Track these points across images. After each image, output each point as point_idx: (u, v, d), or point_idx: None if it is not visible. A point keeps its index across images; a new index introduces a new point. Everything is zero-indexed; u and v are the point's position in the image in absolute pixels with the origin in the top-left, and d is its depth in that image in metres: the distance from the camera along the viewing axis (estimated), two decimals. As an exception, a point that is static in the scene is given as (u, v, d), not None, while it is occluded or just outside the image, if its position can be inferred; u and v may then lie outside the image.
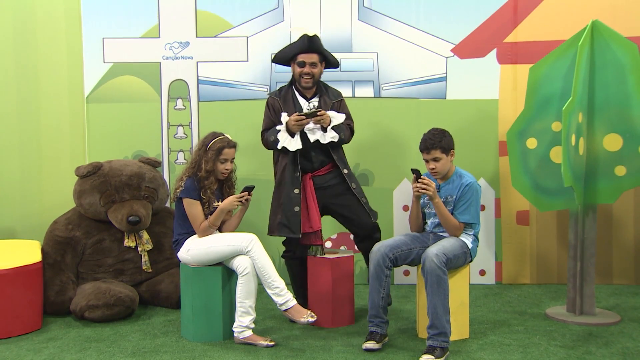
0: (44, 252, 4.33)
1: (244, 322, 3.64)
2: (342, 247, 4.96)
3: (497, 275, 4.99)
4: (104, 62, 4.99)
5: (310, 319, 3.62)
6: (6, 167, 4.97)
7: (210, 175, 3.76)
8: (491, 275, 4.99)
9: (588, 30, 3.88)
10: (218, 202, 3.82)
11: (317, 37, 4.01)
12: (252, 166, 4.93)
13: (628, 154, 3.94)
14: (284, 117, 3.93)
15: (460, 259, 3.59)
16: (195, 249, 3.73)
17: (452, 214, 3.64)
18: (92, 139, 5.01)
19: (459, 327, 3.66)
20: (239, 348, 3.62)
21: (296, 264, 4.13)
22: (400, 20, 4.94)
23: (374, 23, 4.96)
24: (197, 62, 5.01)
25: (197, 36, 4.99)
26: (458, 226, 3.62)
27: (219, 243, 3.70)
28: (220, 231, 3.90)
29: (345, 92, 4.96)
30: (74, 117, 5.01)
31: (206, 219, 3.76)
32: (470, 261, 3.71)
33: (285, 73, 4.98)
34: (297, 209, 3.94)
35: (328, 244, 5.02)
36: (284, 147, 3.93)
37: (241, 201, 3.75)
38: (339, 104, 4.10)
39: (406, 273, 5.01)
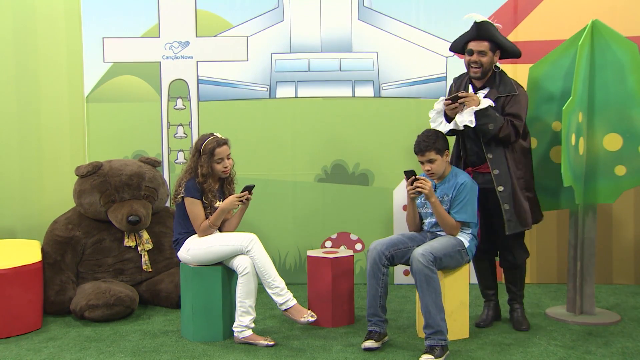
0: (44, 251, 4.33)
1: (244, 322, 3.64)
2: (342, 247, 4.96)
3: (497, 275, 4.98)
4: (104, 61, 5.00)
5: (310, 319, 3.62)
6: (6, 166, 4.98)
7: (208, 178, 3.76)
8: (491, 275, 4.98)
9: (588, 30, 3.88)
10: (219, 201, 3.82)
11: (488, 23, 3.75)
12: (251, 165, 4.93)
13: (628, 154, 3.94)
14: (442, 100, 3.79)
15: (455, 258, 3.59)
16: (195, 249, 3.73)
17: (448, 213, 3.64)
18: (92, 138, 5.01)
19: (458, 327, 3.66)
20: (239, 348, 3.62)
21: (479, 259, 3.98)
22: (400, 19, 4.94)
23: (374, 23, 4.97)
24: (197, 62, 5.01)
25: (197, 36, 4.99)
26: (455, 225, 3.62)
27: (219, 243, 3.70)
28: (221, 231, 3.90)
29: (345, 91, 4.98)
30: (74, 116, 5.01)
31: (207, 218, 3.76)
32: (469, 260, 3.71)
33: (286, 72, 5.00)
34: None
35: (328, 244, 5.03)
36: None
37: (242, 200, 3.75)
38: (506, 100, 3.74)
39: (406, 273, 5.01)
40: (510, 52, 3.81)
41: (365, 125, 4.97)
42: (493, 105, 3.66)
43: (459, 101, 3.64)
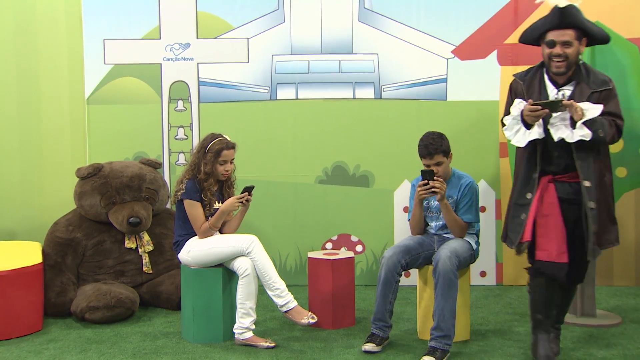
0: (44, 253, 4.33)
1: (244, 324, 3.64)
2: (342, 249, 4.96)
3: (498, 276, 4.99)
4: (105, 63, 5.00)
5: (311, 321, 3.62)
6: (7, 168, 4.98)
7: (209, 177, 3.76)
8: (492, 277, 4.98)
9: (589, 32, 3.87)
10: (219, 203, 3.82)
11: (574, 7, 3.19)
12: (252, 167, 4.93)
13: (628, 155, 3.94)
14: (517, 103, 3.23)
15: (467, 261, 3.61)
16: (195, 250, 3.73)
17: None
18: (93, 140, 5.01)
19: (459, 329, 3.66)
20: (240, 349, 3.62)
21: (540, 284, 3.32)
22: (400, 21, 4.94)
23: (374, 24, 4.97)
24: (197, 64, 5.01)
25: (197, 37, 5.00)
26: (465, 226, 3.63)
27: (220, 244, 3.70)
28: (221, 232, 3.90)
29: (346, 93, 4.97)
30: (74, 118, 5.01)
31: (207, 220, 3.76)
32: (473, 262, 3.71)
33: (286, 74, 5.01)
34: (523, 216, 3.20)
35: (328, 245, 5.03)
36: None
37: (242, 202, 3.75)
38: (601, 95, 3.18)
39: (407, 274, 5.01)
40: (599, 39, 3.28)
41: (366, 127, 4.97)
42: (598, 112, 3.11)
43: (559, 110, 3.07)
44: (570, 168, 3.19)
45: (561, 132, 3.13)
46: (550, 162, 3.23)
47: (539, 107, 3.09)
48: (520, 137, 3.22)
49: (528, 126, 3.19)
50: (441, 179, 3.53)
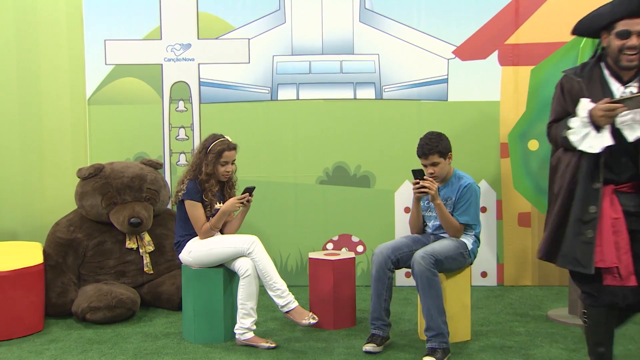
0: (45, 253, 4.33)
1: (245, 324, 3.64)
2: (343, 249, 4.96)
3: (499, 277, 4.99)
4: (106, 64, 5.00)
5: (312, 321, 3.62)
6: (8, 168, 4.98)
7: (210, 177, 3.76)
8: (493, 277, 4.99)
9: (590, 32, 3.86)
10: (220, 203, 3.82)
11: None
12: (253, 168, 4.93)
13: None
14: (585, 103, 2.78)
15: (457, 261, 3.58)
16: (196, 251, 3.73)
17: (451, 215, 3.64)
18: (94, 140, 5.02)
19: (460, 329, 3.66)
20: (241, 350, 3.62)
21: (600, 313, 2.86)
22: (401, 22, 4.95)
23: (375, 25, 4.97)
24: (198, 64, 5.01)
25: (198, 38, 5.00)
26: (459, 228, 3.62)
27: (221, 245, 3.70)
28: (222, 233, 3.90)
29: (347, 93, 4.98)
30: (75, 118, 5.02)
31: (208, 220, 3.76)
32: (471, 263, 3.70)
33: (287, 75, 5.01)
34: (590, 234, 2.77)
35: (329, 246, 5.03)
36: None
37: (242, 202, 3.75)
38: None
39: (407, 275, 5.00)
40: None
41: (367, 127, 4.97)
42: None
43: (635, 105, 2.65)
44: (635, 177, 2.81)
45: (637, 132, 2.74)
46: (613, 170, 2.82)
47: (619, 105, 2.68)
48: (592, 141, 2.77)
49: (597, 129, 2.76)
50: (431, 179, 3.54)
